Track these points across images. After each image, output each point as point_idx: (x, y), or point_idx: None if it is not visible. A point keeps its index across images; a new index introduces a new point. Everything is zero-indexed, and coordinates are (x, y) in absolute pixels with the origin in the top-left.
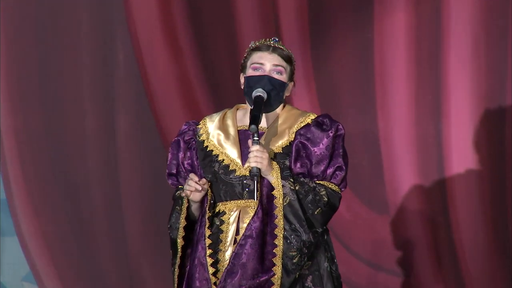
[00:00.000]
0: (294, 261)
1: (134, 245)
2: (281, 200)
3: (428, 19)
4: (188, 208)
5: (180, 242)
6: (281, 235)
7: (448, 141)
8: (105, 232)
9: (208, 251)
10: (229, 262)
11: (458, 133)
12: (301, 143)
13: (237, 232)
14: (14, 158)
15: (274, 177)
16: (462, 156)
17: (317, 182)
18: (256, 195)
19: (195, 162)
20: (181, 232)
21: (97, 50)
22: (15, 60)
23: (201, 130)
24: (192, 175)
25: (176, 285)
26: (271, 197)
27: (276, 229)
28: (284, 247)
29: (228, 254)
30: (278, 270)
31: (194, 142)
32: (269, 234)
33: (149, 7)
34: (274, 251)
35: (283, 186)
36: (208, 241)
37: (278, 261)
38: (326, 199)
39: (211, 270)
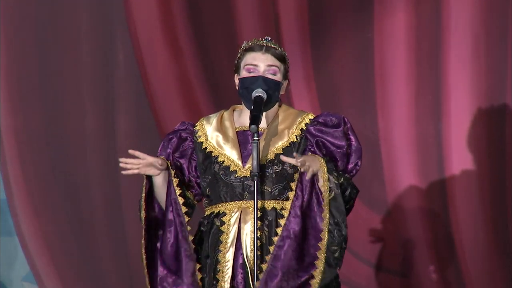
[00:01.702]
0: (336, 255)
1: (134, 245)
2: (327, 194)
3: (428, 19)
4: (151, 183)
5: (143, 214)
6: (327, 229)
7: (448, 141)
8: (105, 232)
9: (188, 228)
10: (268, 264)
11: (458, 133)
12: (321, 142)
13: (238, 232)
14: (14, 158)
15: (321, 171)
16: (462, 156)
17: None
18: (256, 197)
19: (188, 161)
20: (143, 205)
21: (97, 50)
22: (15, 60)
23: (199, 132)
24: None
25: (145, 260)
26: (312, 192)
27: (323, 222)
28: (328, 241)
29: (228, 255)
30: (320, 264)
31: (191, 143)
32: (312, 228)
33: (149, 7)
34: (318, 244)
35: (328, 180)
36: (186, 217)
37: (321, 254)
38: (355, 191)
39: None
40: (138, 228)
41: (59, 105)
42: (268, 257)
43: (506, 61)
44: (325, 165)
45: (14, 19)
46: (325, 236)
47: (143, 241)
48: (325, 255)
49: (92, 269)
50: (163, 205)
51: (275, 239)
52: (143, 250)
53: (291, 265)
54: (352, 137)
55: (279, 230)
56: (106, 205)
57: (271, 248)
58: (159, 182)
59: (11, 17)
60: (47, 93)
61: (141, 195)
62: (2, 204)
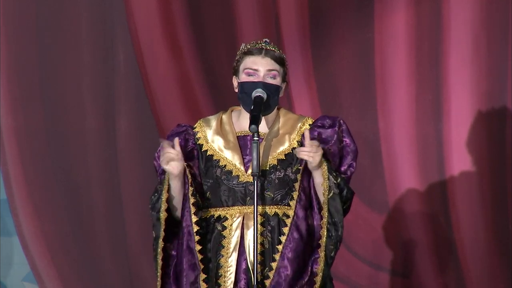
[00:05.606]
0: (332, 254)
1: (134, 245)
2: (326, 192)
3: (428, 19)
4: (169, 186)
5: (163, 215)
6: (325, 228)
7: (448, 141)
8: (105, 232)
9: (196, 238)
10: (274, 275)
11: (458, 133)
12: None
13: (241, 238)
14: (14, 158)
15: (322, 170)
16: (462, 156)
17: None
18: (257, 198)
19: (196, 164)
20: (164, 205)
21: (97, 50)
22: (15, 60)
23: (198, 134)
24: (165, 145)
25: (159, 266)
26: (311, 192)
27: (322, 221)
28: (326, 240)
29: (231, 260)
30: (321, 261)
31: (194, 145)
32: (314, 227)
33: (149, 7)
34: (319, 242)
35: (328, 178)
36: (195, 227)
37: (322, 252)
38: (350, 192)
39: (199, 256)
40: (138, 228)
41: (59, 105)
42: (277, 256)
43: (506, 61)
44: (325, 163)
45: (14, 19)
46: (324, 234)
47: (161, 241)
48: (324, 253)
49: (92, 269)
50: (179, 208)
51: (283, 238)
52: (159, 256)
53: (299, 265)
54: (347, 139)
55: (285, 230)
56: (106, 205)
57: (276, 256)
58: (177, 186)
59: (11, 17)
60: (47, 93)
61: (160, 195)
62: (2, 204)
